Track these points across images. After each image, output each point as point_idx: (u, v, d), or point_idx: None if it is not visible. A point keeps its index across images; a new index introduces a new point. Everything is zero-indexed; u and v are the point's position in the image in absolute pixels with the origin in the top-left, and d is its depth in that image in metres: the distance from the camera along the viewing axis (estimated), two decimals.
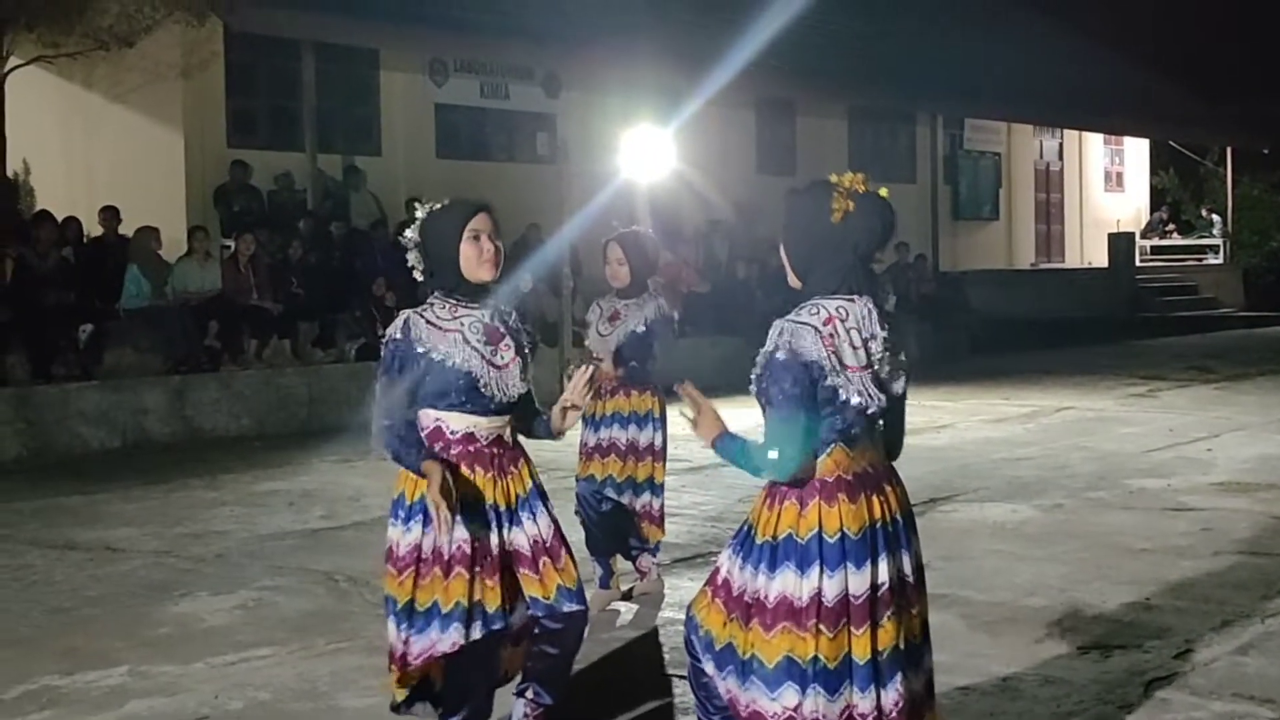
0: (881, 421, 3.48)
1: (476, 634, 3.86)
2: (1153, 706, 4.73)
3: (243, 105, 16.84)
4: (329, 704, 4.93)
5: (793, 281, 3.48)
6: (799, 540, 3.31)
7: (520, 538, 3.95)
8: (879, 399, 3.36)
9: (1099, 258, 28.48)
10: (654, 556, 6.38)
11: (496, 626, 3.88)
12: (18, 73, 14.11)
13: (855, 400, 3.31)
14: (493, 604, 3.88)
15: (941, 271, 23.10)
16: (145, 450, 11.73)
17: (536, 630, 4.00)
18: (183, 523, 8.42)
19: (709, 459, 10.17)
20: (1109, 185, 31.85)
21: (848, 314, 3.35)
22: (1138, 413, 13.16)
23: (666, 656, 5.52)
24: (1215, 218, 30.97)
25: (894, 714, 3.34)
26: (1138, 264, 28.55)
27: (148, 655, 5.55)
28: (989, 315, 21.23)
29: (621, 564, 6.40)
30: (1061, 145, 30.15)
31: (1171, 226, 32.01)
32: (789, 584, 3.30)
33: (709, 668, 3.44)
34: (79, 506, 9.06)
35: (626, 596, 6.36)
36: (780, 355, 3.30)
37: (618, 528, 6.19)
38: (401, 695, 4.00)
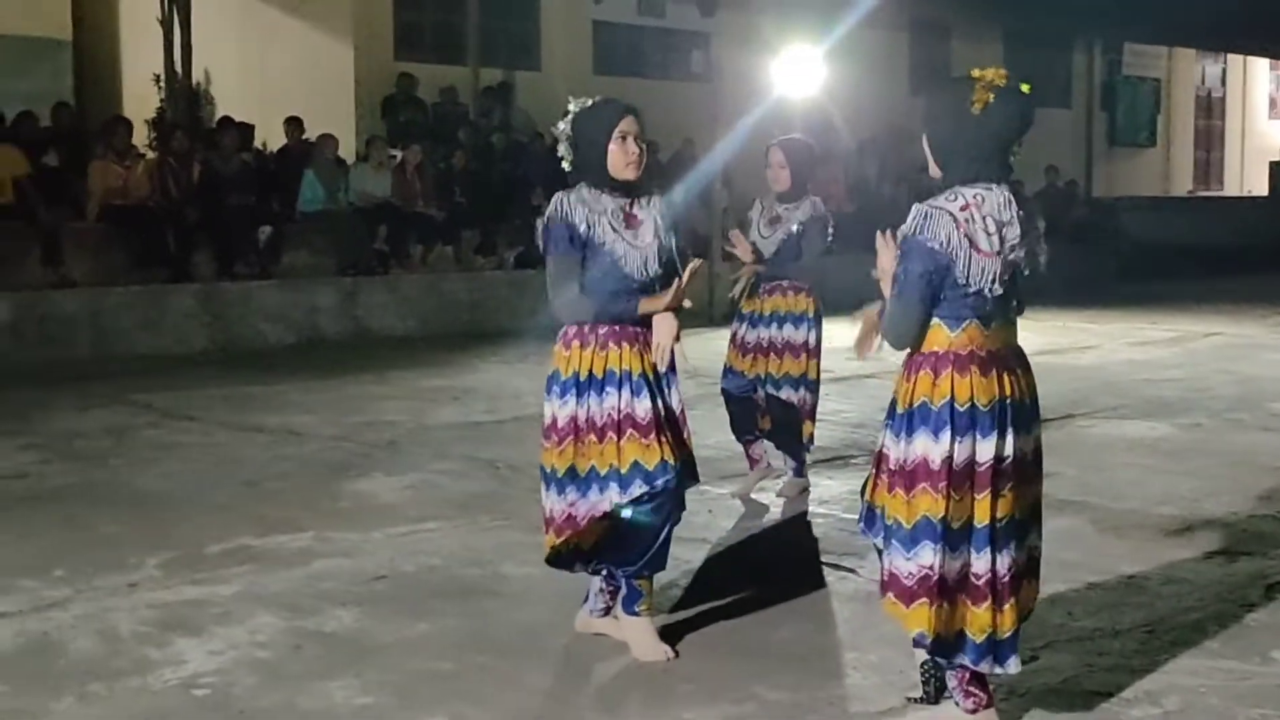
0: (1016, 303, 3.71)
1: (636, 491, 4.22)
2: (1273, 607, 4.89)
3: (410, 19, 17.34)
4: (493, 570, 5.37)
5: (933, 171, 3.69)
6: (932, 407, 3.58)
7: (661, 404, 4.30)
8: (1004, 283, 3.58)
9: (1260, 186, 27.77)
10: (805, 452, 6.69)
11: (658, 482, 4.23)
12: None
13: (984, 284, 3.54)
14: (652, 461, 4.22)
15: (1094, 198, 22.81)
16: (318, 346, 12.40)
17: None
18: (356, 412, 8.97)
19: (853, 369, 10.39)
20: (1274, 112, 30.93)
21: (984, 200, 3.57)
22: None
23: (817, 546, 5.84)
24: None
25: (1005, 578, 3.62)
26: None
27: (330, 524, 6.06)
28: (1142, 242, 20.94)
29: (773, 460, 6.74)
30: (1224, 71, 29.34)
31: None
32: (925, 448, 3.58)
33: (880, 543, 3.73)
34: (262, 395, 9.68)
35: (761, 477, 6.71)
36: (914, 237, 3.55)
37: (754, 415, 6.55)
38: (554, 551, 4.38)
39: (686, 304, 4.31)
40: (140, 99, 16.63)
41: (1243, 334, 13.53)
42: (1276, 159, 27.99)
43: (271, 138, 14.90)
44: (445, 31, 17.48)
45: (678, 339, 4.32)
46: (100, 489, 6.83)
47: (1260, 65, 29.91)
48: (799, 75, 14.86)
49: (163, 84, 15.12)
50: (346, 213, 13.39)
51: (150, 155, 13.22)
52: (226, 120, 13.94)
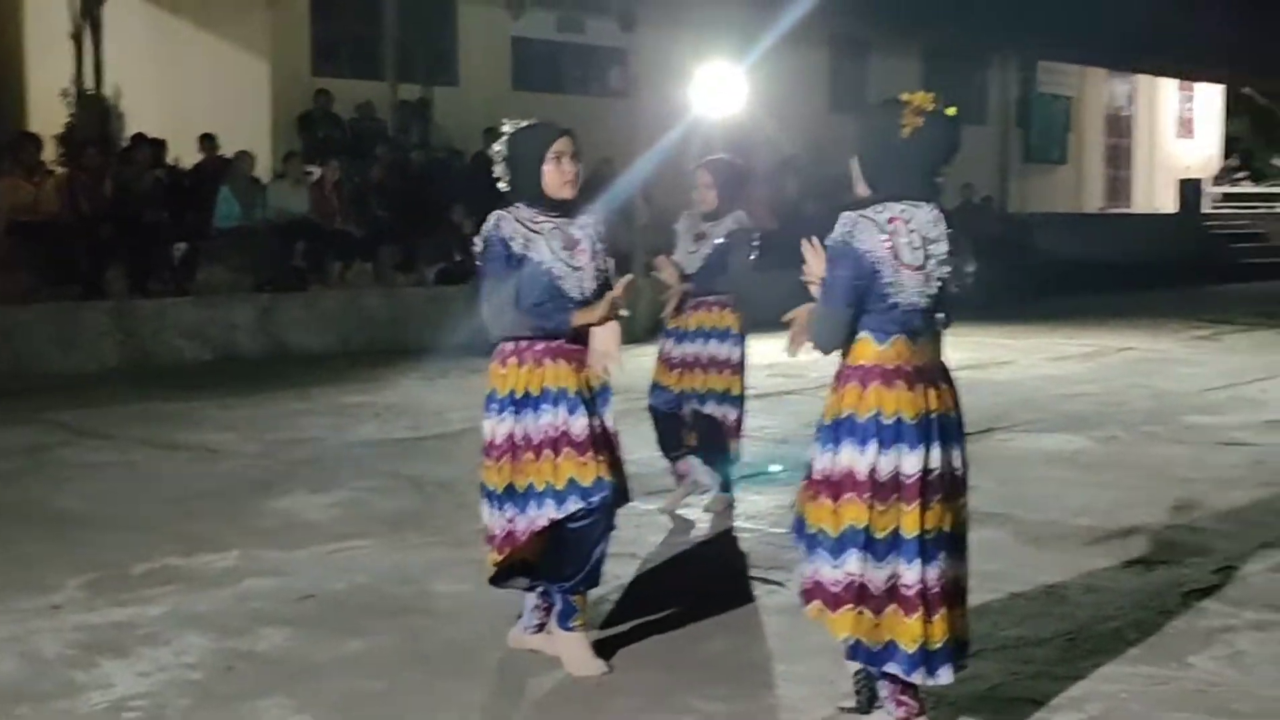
0: (942, 317, 3.78)
1: (573, 507, 4.25)
2: (1190, 614, 5.02)
3: (326, 34, 17.22)
4: (422, 588, 5.36)
5: (861, 191, 3.77)
6: (858, 420, 3.65)
7: (596, 422, 4.33)
8: (929, 299, 3.65)
9: (1168, 204, 28.36)
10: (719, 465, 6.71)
11: (594, 499, 4.26)
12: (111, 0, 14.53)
13: (907, 298, 3.62)
14: (587, 479, 4.25)
15: (1009, 213, 23.16)
16: (236, 363, 12.25)
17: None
18: (276, 429, 8.89)
19: (775, 386, 10.51)
20: (1180, 131, 31.61)
21: (912, 217, 3.65)
22: (1199, 354, 13.31)
23: (745, 560, 5.89)
24: None
25: (936, 589, 3.67)
26: (1208, 211, 28.40)
27: (256, 542, 6.01)
28: (1057, 258, 21.28)
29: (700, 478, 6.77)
30: (1133, 90, 29.95)
31: (1243, 174, 31.78)
32: (851, 459, 3.64)
33: (802, 550, 3.77)
34: (178, 412, 9.54)
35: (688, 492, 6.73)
36: (841, 244, 3.63)
37: (680, 431, 6.59)
38: (493, 570, 4.39)
39: (624, 312, 4.35)
40: (45, 114, 16.33)
41: (1156, 348, 13.79)
42: (1184, 177, 28.62)
43: (185, 154, 14.71)
44: (362, 46, 17.38)
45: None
46: (15, 509, 6.71)
47: (1168, 86, 30.55)
48: (719, 92, 14.94)
49: (72, 99, 14.88)
50: (263, 229, 13.27)
51: (59, 171, 13.00)
52: (139, 136, 13.77)
